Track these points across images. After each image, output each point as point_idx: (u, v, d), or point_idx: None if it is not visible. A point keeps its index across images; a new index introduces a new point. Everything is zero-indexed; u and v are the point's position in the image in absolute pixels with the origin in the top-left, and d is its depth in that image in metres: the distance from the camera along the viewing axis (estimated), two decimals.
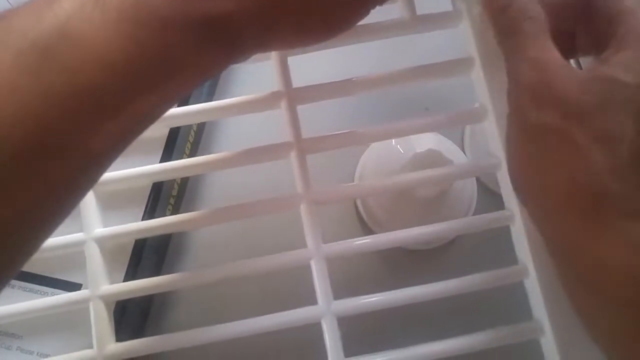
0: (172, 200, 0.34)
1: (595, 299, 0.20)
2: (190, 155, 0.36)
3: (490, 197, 0.36)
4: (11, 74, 0.15)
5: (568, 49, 0.24)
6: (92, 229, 0.27)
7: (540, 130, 0.20)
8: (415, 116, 0.27)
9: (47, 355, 0.28)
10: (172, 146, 0.32)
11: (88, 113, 0.17)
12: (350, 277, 0.34)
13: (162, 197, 0.31)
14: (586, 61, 0.31)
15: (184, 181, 0.36)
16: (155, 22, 0.17)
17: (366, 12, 0.23)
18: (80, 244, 0.27)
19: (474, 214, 0.35)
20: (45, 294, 0.29)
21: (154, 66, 0.18)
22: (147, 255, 0.30)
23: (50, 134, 0.16)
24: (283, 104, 0.27)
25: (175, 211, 0.35)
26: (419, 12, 0.28)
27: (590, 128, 0.19)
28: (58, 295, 0.26)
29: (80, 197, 0.19)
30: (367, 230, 0.36)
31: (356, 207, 0.36)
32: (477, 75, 0.27)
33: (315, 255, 0.26)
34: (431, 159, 0.31)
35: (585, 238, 0.19)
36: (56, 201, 0.17)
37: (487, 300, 0.28)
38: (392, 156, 0.33)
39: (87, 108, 0.17)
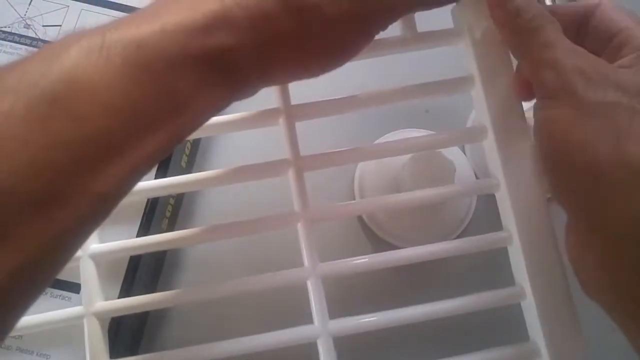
0: (168, 215, 0.33)
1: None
2: (187, 169, 0.35)
3: (489, 198, 0.36)
4: (22, 125, 0.16)
5: None
6: (88, 244, 0.27)
7: (606, 107, 0.20)
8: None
9: (46, 356, 0.28)
10: (168, 160, 0.31)
11: (96, 158, 0.17)
12: (345, 283, 0.33)
13: (157, 212, 0.31)
14: None
15: (180, 197, 0.36)
16: (157, 64, 0.17)
17: (369, 38, 0.22)
18: (75, 259, 0.27)
19: (473, 215, 0.35)
20: (45, 294, 0.29)
21: (158, 107, 0.18)
22: (142, 271, 0.30)
23: (59, 182, 0.16)
24: (281, 120, 0.27)
25: (171, 226, 0.34)
26: (419, 29, 0.27)
27: None
28: (52, 312, 0.26)
29: (86, 238, 0.19)
30: (366, 229, 0.36)
31: None
32: (477, 93, 0.27)
33: (312, 275, 0.25)
34: (431, 158, 0.31)
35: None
36: (62, 247, 0.17)
37: (484, 320, 0.28)
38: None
39: (95, 154, 0.17)
